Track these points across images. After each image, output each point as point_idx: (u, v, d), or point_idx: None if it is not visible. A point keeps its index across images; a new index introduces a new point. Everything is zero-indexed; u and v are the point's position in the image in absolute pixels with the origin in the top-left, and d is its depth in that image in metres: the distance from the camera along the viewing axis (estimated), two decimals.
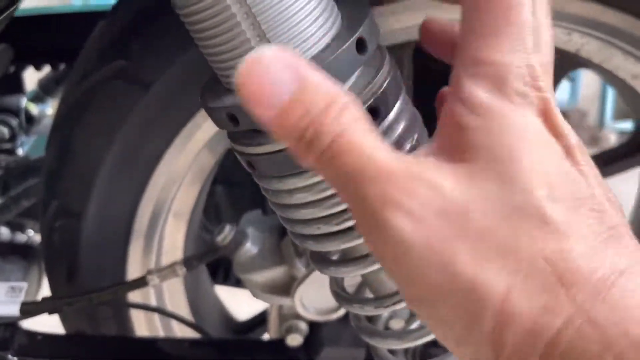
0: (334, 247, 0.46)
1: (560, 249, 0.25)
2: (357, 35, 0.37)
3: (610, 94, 3.70)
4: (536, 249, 0.25)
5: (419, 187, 0.26)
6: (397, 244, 0.26)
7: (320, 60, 0.37)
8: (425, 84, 1.01)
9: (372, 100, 0.40)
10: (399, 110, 0.43)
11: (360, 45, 0.38)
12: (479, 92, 0.28)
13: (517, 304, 0.25)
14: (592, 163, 0.29)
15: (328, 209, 0.43)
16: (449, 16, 0.67)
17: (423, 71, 1.01)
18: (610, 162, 0.87)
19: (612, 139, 3.64)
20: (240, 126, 0.39)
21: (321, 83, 0.28)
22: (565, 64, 0.76)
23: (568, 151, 0.28)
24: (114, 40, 0.68)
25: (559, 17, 0.67)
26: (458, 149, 0.28)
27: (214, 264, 1.06)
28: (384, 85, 0.41)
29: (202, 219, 0.92)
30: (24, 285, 0.74)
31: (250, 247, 0.71)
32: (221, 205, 1.14)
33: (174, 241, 0.84)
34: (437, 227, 0.26)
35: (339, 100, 0.28)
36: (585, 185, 0.27)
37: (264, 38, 0.37)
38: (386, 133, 0.43)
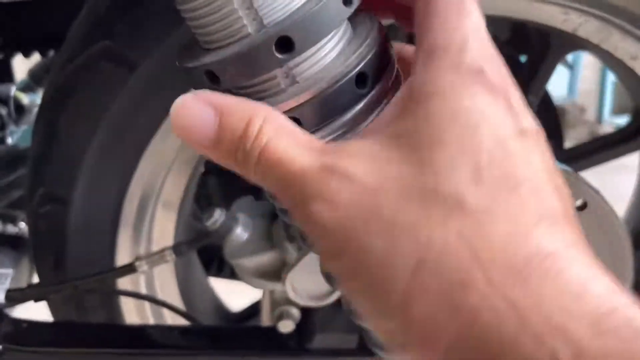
0: None
1: (479, 230, 0.25)
2: None
3: (609, 88, 3.70)
4: (451, 229, 0.25)
5: (332, 178, 0.28)
6: (319, 231, 0.28)
7: (308, 8, 0.35)
8: None
9: (360, 65, 0.39)
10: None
11: None
12: (425, 77, 0.29)
13: (426, 280, 0.25)
14: (544, 145, 0.28)
15: None
16: None
17: None
18: (608, 146, 0.86)
19: None
20: (221, 84, 0.37)
21: (236, 106, 0.32)
22: (563, 44, 0.74)
23: (520, 132, 0.27)
24: (98, 20, 0.67)
25: None
26: (393, 134, 0.29)
27: (208, 255, 1.04)
28: (372, 52, 0.39)
29: (193, 207, 0.90)
30: (9, 272, 0.72)
31: (240, 232, 0.70)
32: (213, 196, 1.13)
33: (163, 229, 0.82)
34: (349, 210, 0.27)
35: (256, 116, 0.31)
36: (524, 168, 0.26)
37: None
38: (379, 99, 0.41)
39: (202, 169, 0.96)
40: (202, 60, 0.37)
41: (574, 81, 3.79)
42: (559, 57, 0.77)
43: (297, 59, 0.39)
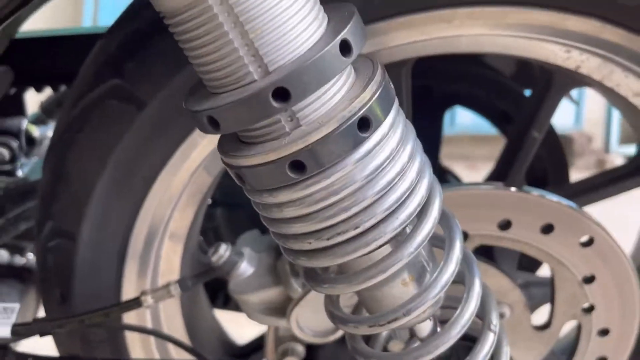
0: (326, 263, 0.45)
1: None
2: (341, 36, 0.37)
3: (616, 118, 3.70)
4: None
5: None
6: None
7: (305, 59, 0.36)
8: (425, 101, 1.01)
9: (362, 110, 0.40)
10: (392, 121, 0.43)
11: (345, 47, 0.38)
12: None
13: None
14: None
15: (319, 223, 0.42)
16: (445, 34, 0.67)
17: (423, 91, 1.02)
18: (615, 180, 0.86)
19: (618, 163, 3.63)
20: (221, 129, 0.38)
21: None
22: (565, 81, 0.75)
23: None
24: (109, 59, 0.68)
25: (557, 34, 0.67)
26: None
27: (214, 288, 1.04)
28: (375, 97, 0.40)
29: (200, 241, 0.91)
30: (16, 306, 0.72)
31: (246, 267, 0.70)
32: (221, 228, 1.13)
33: (170, 263, 0.82)
34: None
35: None
36: None
37: (252, 46, 0.37)
38: (380, 142, 0.42)
39: (209, 201, 0.97)
40: (203, 105, 0.38)
41: (580, 110, 3.80)
42: (562, 93, 0.77)
43: (301, 104, 0.40)
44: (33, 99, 1.21)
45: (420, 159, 0.46)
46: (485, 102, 1.02)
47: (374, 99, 0.40)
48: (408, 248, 0.46)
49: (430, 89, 0.99)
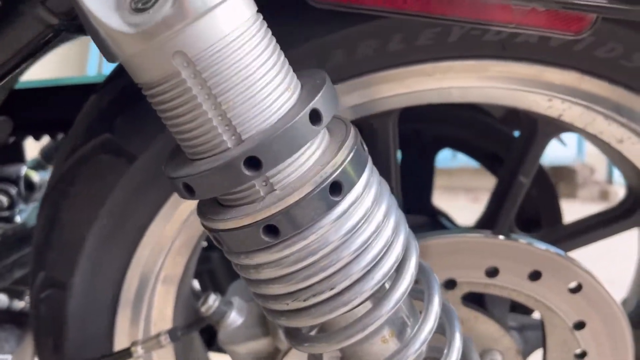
0: (305, 323, 0.45)
1: None
2: (310, 106, 0.39)
3: None
4: None
5: None
6: None
7: (275, 129, 0.38)
8: (415, 144, 1.03)
9: (334, 175, 0.41)
10: (365, 181, 0.44)
11: (315, 116, 0.39)
12: None
13: None
14: None
15: (295, 284, 0.43)
16: (431, 86, 0.68)
17: (413, 135, 1.03)
18: (604, 224, 0.86)
19: (621, 194, 3.61)
20: (196, 195, 0.39)
21: None
22: (550, 128, 0.76)
23: None
24: (101, 114, 0.70)
25: (538, 85, 0.68)
26: None
27: (210, 330, 1.04)
28: (347, 161, 0.41)
29: (192, 287, 0.91)
30: (8, 357, 0.72)
31: (235, 318, 0.70)
32: (216, 271, 1.14)
33: (162, 310, 0.83)
34: None
35: None
36: None
37: (224, 117, 0.39)
38: (354, 203, 0.43)
39: (204, 244, 0.97)
40: (179, 172, 0.40)
41: (582, 142, 3.80)
42: (547, 140, 0.78)
43: (275, 169, 0.41)
44: (33, 144, 1.24)
45: (396, 216, 0.47)
46: (475, 144, 1.04)
47: (346, 162, 0.42)
48: (386, 305, 0.46)
49: (420, 133, 1.01)
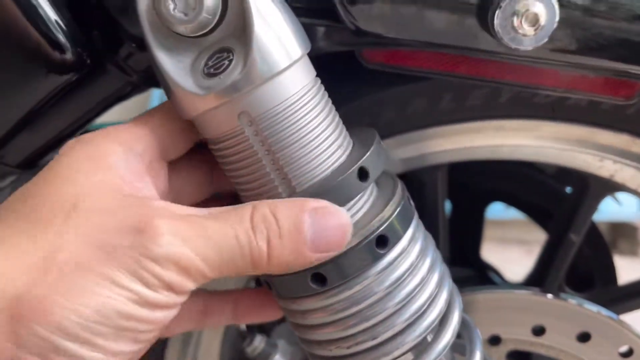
0: None
1: None
2: (358, 165, 0.41)
3: None
4: None
5: None
6: None
7: (326, 183, 0.41)
8: (465, 199, 1.03)
9: (381, 228, 0.43)
10: (411, 235, 0.46)
11: (362, 174, 0.42)
12: None
13: None
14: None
15: (341, 332, 0.45)
16: (480, 143, 0.70)
17: (463, 187, 1.04)
18: None
19: None
20: None
21: None
22: (601, 187, 0.76)
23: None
24: None
25: (589, 145, 0.69)
26: None
27: None
28: (393, 215, 0.44)
29: (239, 329, 0.93)
30: None
31: None
32: None
33: (209, 348, 0.85)
34: None
35: None
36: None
37: (282, 171, 0.42)
38: (399, 256, 0.45)
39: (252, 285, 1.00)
40: None
41: None
42: (599, 198, 0.78)
43: None
44: None
45: (440, 270, 0.49)
46: (525, 200, 1.03)
47: (392, 217, 0.44)
48: (428, 357, 0.47)
49: (470, 186, 1.01)
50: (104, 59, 0.51)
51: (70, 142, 0.40)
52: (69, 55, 0.46)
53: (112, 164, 0.38)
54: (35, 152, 0.57)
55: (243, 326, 1.12)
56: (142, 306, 0.36)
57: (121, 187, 0.37)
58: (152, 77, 0.53)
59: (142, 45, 0.49)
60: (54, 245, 0.34)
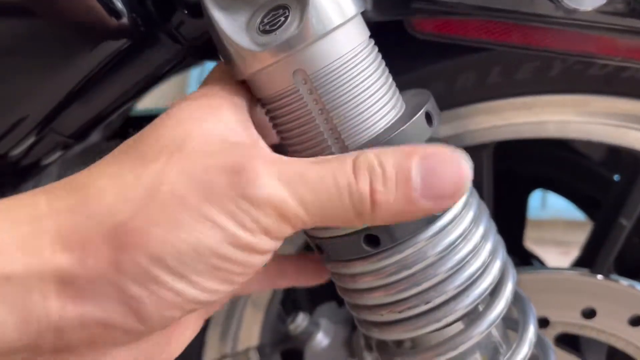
0: (398, 336, 0.46)
1: None
2: (425, 109, 0.41)
3: None
4: None
5: None
6: None
7: (394, 128, 0.40)
8: (509, 184, 1.01)
9: None
10: (465, 200, 0.45)
11: (428, 118, 0.41)
12: None
13: None
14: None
15: (391, 296, 0.44)
16: (528, 119, 0.68)
17: (507, 173, 1.02)
18: None
19: None
20: None
21: None
22: None
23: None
24: None
25: None
26: None
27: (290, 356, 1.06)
28: None
29: (279, 310, 0.94)
30: None
31: (321, 338, 0.72)
32: (299, 299, 1.16)
33: (250, 330, 0.86)
34: None
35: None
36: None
37: (335, 130, 0.41)
38: (452, 221, 0.44)
39: None
40: None
41: None
42: None
43: None
44: None
45: (494, 240, 0.48)
46: (570, 186, 1.01)
47: None
48: (480, 326, 0.46)
49: (513, 172, 0.99)
50: (156, 27, 0.51)
51: (179, 99, 0.40)
52: (124, 21, 0.47)
53: (222, 115, 0.39)
54: (87, 122, 0.58)
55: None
56: (236, 248, 0.35)
57: (228, 135, 0.38)
58: (203, 46, 0.54)
59: (194, 11, 0.50)
60: (157, 180, 0.35)
